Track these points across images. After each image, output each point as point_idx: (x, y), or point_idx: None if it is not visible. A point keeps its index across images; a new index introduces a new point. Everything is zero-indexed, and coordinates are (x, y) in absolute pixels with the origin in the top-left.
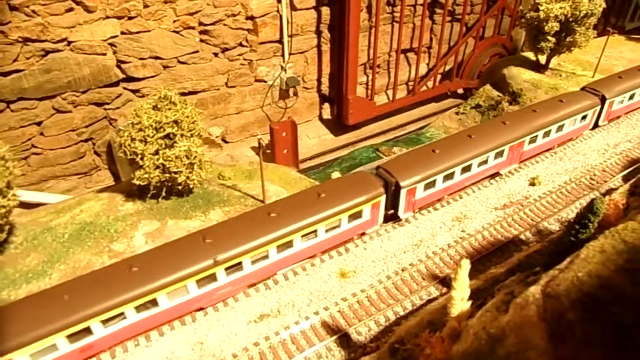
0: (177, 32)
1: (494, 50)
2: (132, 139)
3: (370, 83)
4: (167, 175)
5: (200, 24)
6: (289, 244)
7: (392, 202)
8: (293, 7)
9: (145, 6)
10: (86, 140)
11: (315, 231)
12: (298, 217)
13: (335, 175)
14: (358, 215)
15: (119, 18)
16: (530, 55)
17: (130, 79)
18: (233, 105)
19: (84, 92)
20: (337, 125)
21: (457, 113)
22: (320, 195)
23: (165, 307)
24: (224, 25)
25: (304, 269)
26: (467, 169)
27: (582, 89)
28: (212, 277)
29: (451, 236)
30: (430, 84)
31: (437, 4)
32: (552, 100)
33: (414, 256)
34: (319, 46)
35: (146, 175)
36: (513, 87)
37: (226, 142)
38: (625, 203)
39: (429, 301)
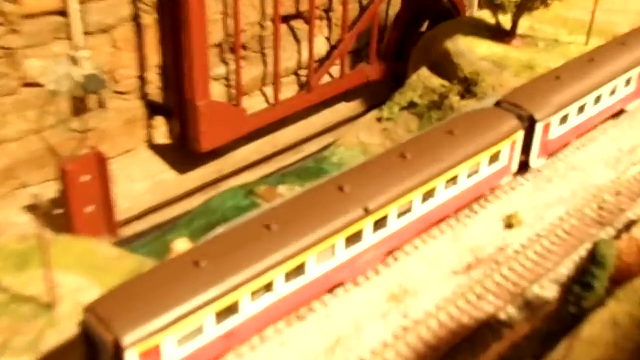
0: None
1: (434, 10)
2: None
3: (233, 76)
4: None
5: None
6: (432, 194)
7: (525, 145)
8: None
9: None
10: None
11: (456, 177)
12: (436, 158)
13: (183, 243)
14: (496, 157)
15: None
16: (487, 16)
17: None
18: None
19: None
20: (182, 154)
21: (379, 119)
22: (453, 133)
23: (311, 276)
24: None
25: None
26: (598, 99)
27: None
28: (358, 237)
29: (387, 327)
30: (335, 71)
31: None
32: None
33: None
34: (136, 18)
35: None
36: (464, 70)
37: None
38: None
39: None
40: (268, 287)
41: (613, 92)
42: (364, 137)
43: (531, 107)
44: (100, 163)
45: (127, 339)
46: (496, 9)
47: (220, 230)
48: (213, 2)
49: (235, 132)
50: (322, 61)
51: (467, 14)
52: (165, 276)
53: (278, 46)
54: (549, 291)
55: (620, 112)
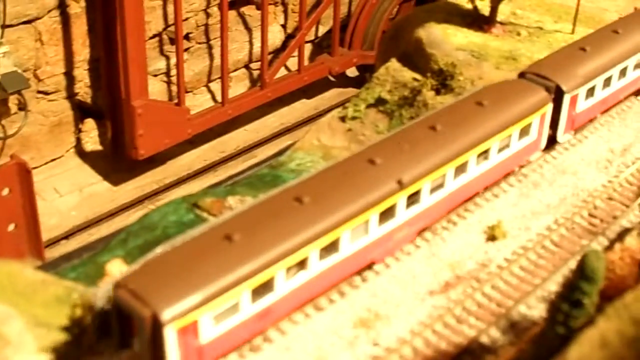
0: None
1: None
2: None
3: (174, 71)
4: None
5: None
6: (463, 168)
7: (551, 118)
8: None
9: None
10: None
11: (487, 151)
12: (467, 130)
13: (116, 265)
14: (526, 130)
15: None
16: (464, 0)
17: None
18: None
19: None
20: (115, 162)
21: (343, 118)
22: (483, 104)
23: (345, 252)
24: None
25: None
26: (623, 72)
27: None
28: (391, 212)
29: (355, 357)
30: (293, 63)
31: None
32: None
33: None
34: (63, 7)
35: None
36: (439, 62)
37: None
38: None
39: None
40: (302, 264)
41: (638, 65)
42: (325, 139)
43: (558, 78)
44: (22, 174)
45: (165, 314)
46: None
47: (160, 249)
48: None
49: (177, 135)
50: (277, 52)
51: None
52: (197, 250)
53: (225, 36)
54: (536, 310)
55: None
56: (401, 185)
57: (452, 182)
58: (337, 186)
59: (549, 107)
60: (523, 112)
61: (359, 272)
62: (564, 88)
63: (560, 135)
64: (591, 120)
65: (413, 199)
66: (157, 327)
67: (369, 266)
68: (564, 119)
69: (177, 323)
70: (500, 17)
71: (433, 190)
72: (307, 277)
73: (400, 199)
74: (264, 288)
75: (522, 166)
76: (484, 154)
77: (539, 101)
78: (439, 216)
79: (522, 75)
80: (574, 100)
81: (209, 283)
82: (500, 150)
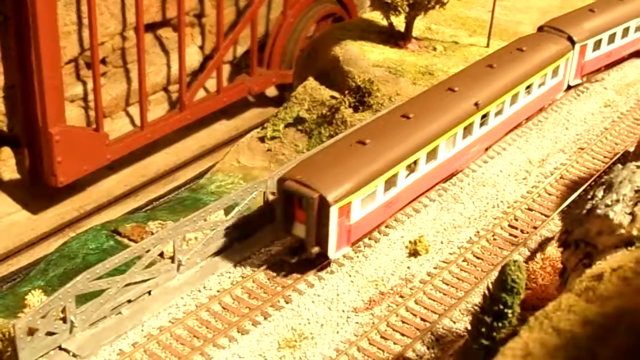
0: None
1: (324, 10)
2: None
3: (91, 96)
4: None
5: None
6: (515, 98)
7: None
8: None
9: None
10: None
11: (531, 85)
12: (517, 68)
13: (37, 295)
14: (556, 72)
15: None
16: (379, 16)
17: None
18: None
19: None
20: (34, 190)
21: (262, 139)
22: (523, 49)
23: (441, 159)
24: None
25: None
26: (626, 32)
27: None
28: (469, 130)
29: None
30: (212, 85)
31: None
32: None
33: None
34: None
35: None
36: (356, 79)
37: None
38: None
39: None
40: (414, 166)
41: (639, 28)
42: (245, 159)
43: (570, 30)
44: None
45: (331, 196)
46: (387, 8)
47: (79, 277)
48: (64, 11)
49: (96, 161)
50: (196, 74)
51: (359, 15)
52: (340, 152)
53: (143, 59)
54: (460, 323)
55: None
56: (477, 107)
57: (508, 109)
58: (430, 107)
59: (571, 54)
60: (554, 56)
61: (448, 179)
62: (575, 39)
63: (572, 79)
64: (597, 70)
65: (484, 120)
66: (323, 207)
67: (454, 174)
68: (574, 65)
69: (338, 204)
70: (415, 32)
71: (496, 114)
72: (417, 177)
73: (477, 118)
74: (391, 183)
75: (550, 104)
76: (529, 88)
77: (564, 48)
78: (498, 138)
79: (540, 29)
80: (583, 50)
81: (356, 174)
82: (539, 86)
